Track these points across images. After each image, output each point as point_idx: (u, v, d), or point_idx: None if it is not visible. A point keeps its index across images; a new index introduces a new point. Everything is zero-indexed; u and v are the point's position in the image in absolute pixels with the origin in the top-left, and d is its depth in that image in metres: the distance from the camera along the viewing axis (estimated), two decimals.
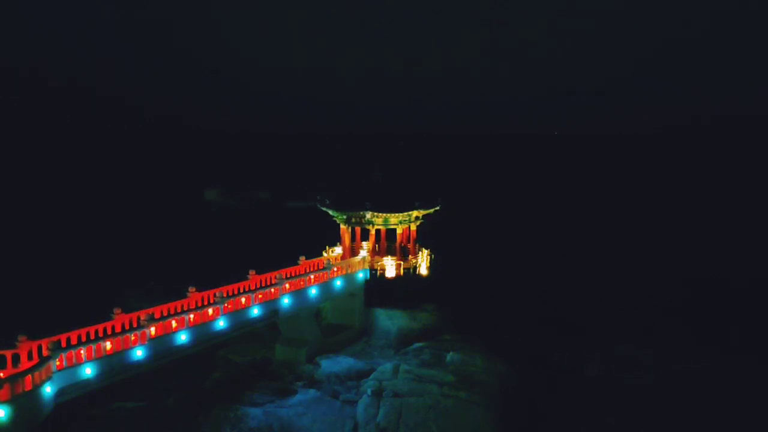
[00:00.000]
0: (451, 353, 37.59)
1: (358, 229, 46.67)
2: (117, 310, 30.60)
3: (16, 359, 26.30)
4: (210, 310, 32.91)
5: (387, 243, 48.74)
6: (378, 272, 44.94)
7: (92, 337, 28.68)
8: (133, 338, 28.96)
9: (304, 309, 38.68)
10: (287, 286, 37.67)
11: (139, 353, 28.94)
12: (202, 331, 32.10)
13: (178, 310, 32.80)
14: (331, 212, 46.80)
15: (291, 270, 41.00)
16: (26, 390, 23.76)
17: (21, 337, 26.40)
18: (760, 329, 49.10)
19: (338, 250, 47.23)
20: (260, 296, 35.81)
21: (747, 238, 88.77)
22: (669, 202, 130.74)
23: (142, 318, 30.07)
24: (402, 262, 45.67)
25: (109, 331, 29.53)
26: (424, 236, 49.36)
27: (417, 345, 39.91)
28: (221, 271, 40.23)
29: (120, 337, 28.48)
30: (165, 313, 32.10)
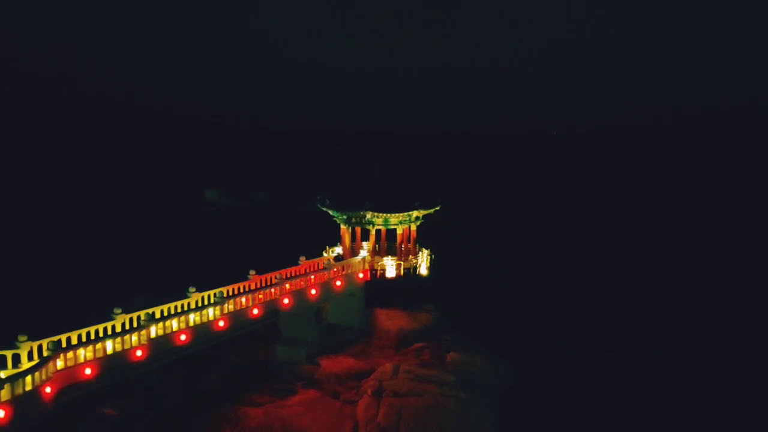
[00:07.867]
0: (451, 353, 37.59)
1: (358, 229, 46.67)
2: (117, 310, 30.63)
3: (16, 359, 26.33)
4: (210, 310, 32.93)
5: (387, 243, 48.74)
6: (378, 272, 44.95)
7: (92, 337, 28.71)
8: (133, 338, 28.98)
9: (304, 309, 38.70)
10: (287, 286, 37.69)
11: (139, 353, 28.95)
12: (202, 331, 32.14)
13: (178, 310, 32.84)
14: (331, 212, 46.83)
15: (291, 270, 41.02)
16: (26, 390, 23.78)
17: (21, 337, 26.43)
18: (759, 328, 49.08)
19: (338, 250, 47.25)
20: (260, 296, 35.84)
21: (744, 235, 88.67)
22: (669, 198, 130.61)
23: (142, 318, 30.10)
24: (402, 262, 45.68)
25: (109, 331, 29.56)
26: (424, 236, 49.34)
27: (417, 345, 39.93)
28: (221, 271, 40.21)
29: (120, 337, 28.51)
30: (165, 313, 32.15)
